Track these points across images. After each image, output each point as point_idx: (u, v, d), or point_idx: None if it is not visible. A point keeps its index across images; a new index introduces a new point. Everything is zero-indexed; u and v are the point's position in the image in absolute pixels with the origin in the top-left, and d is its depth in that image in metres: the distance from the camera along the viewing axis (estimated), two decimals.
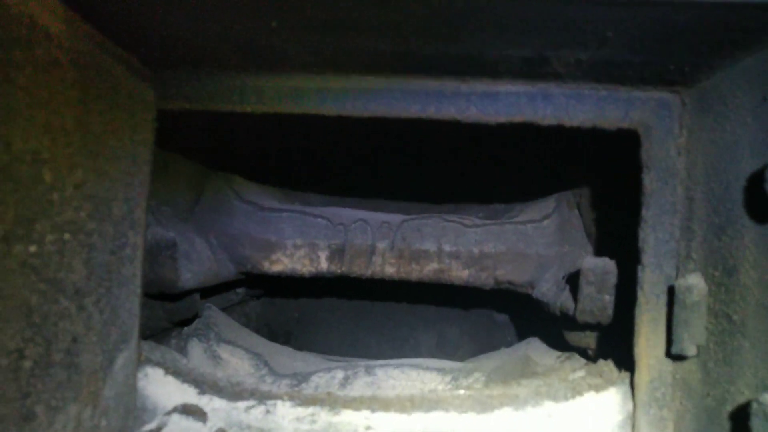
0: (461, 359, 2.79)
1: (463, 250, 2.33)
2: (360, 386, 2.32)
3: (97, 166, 1.07)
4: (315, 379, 2.36)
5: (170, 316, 2.07)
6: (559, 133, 1.54)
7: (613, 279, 1.71)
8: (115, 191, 1.16)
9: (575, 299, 1.80)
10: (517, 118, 1.44)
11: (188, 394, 1.52)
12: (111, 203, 1.14)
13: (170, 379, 1.54)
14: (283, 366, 2.45)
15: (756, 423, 0.99)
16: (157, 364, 1.57)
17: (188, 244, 2.06)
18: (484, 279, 2.34)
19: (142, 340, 1.67)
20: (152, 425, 1.46)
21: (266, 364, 2.43)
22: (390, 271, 2.37)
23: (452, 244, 2.33)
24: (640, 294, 1.40)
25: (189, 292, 2.00)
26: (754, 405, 1.00)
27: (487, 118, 1.45)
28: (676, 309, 1.29)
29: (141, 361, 1.57)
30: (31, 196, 0.87)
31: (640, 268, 1.41)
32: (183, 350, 2.28)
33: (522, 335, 2.88)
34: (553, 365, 2.02)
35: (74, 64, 0.97)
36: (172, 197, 2.19)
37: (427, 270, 2.36)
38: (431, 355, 3.36)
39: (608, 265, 1.72)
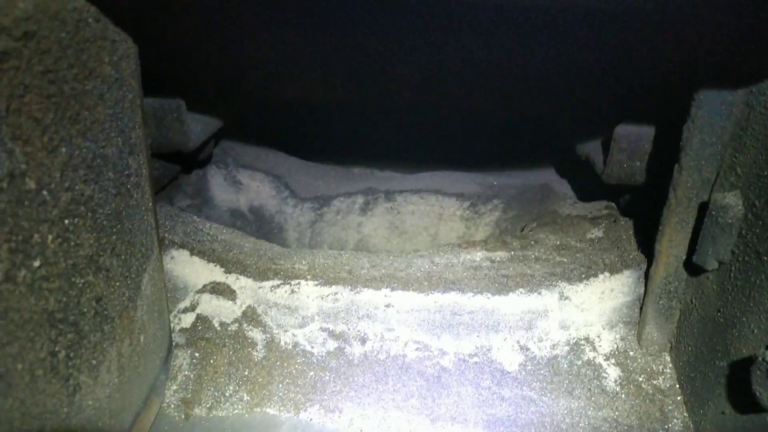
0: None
1: None
2: (380, 212, 2.39)
3: (80, 126, 0.95)
4: (336, 204, 2.43)
5: (187, 162, 2.05)
6: None
7: (647, 145, 1.62)
8: (106, 133, 1.05)
9: (605, 158, 1.72)
10: None
11: (215, 273, 1.59)
12: (105, 149, 1.04)
13: (196, 259, 1.60)
14: (303, 187, 2.50)
15: (757, 375, 1.03)
16: (181, 246, 1.61)
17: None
18: None
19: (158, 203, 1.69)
20: (186, 303, 1.57)
21: (287, 186, 2.48)
22: None
23: None
24: (671, 195, 1.33)
25: (203, 144, 1.95)
26: (759, 359, 1.03)
27: None
28: (707, 222, 1.24)
29: (165, 245, 1.62)
30: (20, 214, 0.80)
31: (676, 168, 1.32)
32: (203, 179, 2.32)
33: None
34: (574, 210, 2.01)
35: (36, 37, 0.80)
36: None
37: None
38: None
39: (643, 131, 1.61)
